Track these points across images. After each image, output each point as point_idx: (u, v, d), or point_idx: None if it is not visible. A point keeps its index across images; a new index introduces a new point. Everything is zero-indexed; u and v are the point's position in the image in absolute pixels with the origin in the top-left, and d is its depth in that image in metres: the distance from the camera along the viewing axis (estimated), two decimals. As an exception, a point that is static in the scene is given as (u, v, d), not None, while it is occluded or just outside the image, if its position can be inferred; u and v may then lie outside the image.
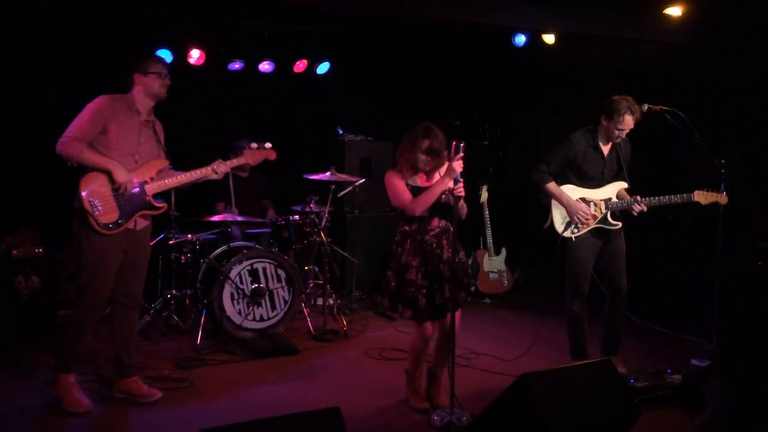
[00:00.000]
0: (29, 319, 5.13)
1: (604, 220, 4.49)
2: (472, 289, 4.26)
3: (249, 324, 5.25)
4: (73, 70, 5.83)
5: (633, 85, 4.85)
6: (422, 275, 3.88)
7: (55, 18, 5.74)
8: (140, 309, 4.61)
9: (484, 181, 7.06)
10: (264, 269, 5.35)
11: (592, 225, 4.49)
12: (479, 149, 7.78)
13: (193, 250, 5.56)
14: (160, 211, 4.10)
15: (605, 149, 4.52)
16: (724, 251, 4.59)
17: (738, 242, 5.15)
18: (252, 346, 5.12)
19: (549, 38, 6.52)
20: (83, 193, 3.80)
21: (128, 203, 3.91)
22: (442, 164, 3.91)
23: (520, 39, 6.77)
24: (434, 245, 3.92)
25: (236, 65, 6.67)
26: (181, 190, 4.58)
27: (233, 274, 5.20)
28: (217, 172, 4.13)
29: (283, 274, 5.42)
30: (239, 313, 5.21)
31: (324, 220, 5.88)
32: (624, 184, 4.56)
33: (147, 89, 4.01)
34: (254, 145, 4.31)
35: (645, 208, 4.42)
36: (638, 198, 4.43)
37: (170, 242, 5.49)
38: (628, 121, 4.33)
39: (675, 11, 5.81)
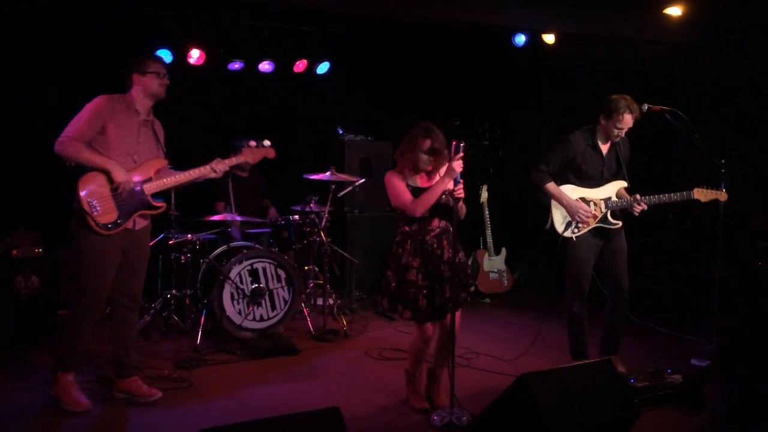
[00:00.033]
0: (29, 319, 5.13)
1: (604, 219, 4.49)
2: (472, 289, 4.26)
3: (249, 324, 5.25)
4: (73, 70, 5.83)
5: (633, 85, 4.84)
6: (423, 276, 3.87)
7: (54, 18, 5.74)
8: (140, 309, 4.61)
9: (484, 181, 7.06)
10: (264, 269, 5.34)
11: (593, 224, 4.48)
12: (479, 149, 7.78)
13: (193, 250, 5.56)
14: (159, 211, 4.09)
15: (604, 148, 4.52)
16: (724, 251, 4.59)
17: (738, 242, 5.14)
18: (252, 346, 5.12)
19: (549, 38, 6.52)
20: (82, 193, 3.79)
21: (127, 203, 3.91)
22: (443, 164, 3.91)
23: (520, 39, 6.77)
24: (435, 246, 3.91)
25: (236, 65, 6.67)
26: (180, 190, 4.57)
27: (233, 274, 5.20)
28: (215, 171, 4.11)
29: (283, 274, 5.42)
30: (239, 313, 5.21)
31: (324, 220, 5.87)
32: (623, 183, 4.56)
33: (145, 89, 4.00)
34: (253, 143, 4.29)
35: (645, 207, 4.43)
36: (638, 197, 4.43)
37: (170, 242, 5.49)
38: (627, 120, 4.33)
39: (675, 11, 5.82)
